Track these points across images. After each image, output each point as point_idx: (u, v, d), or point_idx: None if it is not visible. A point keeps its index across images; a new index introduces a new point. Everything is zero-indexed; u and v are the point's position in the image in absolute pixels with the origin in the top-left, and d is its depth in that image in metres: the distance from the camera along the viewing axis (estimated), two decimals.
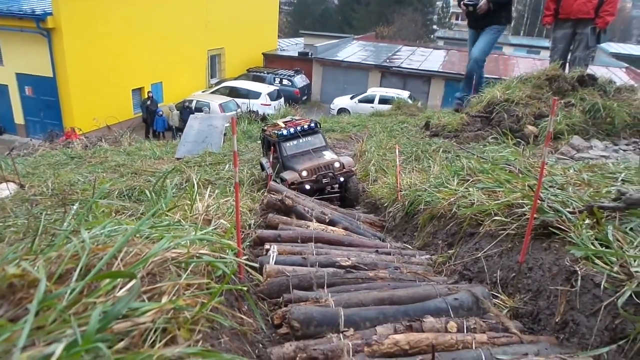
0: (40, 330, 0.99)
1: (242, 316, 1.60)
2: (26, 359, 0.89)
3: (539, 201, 2.13)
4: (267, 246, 2.56)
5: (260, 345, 1.65)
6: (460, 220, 2.82)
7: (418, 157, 6.06)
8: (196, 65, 23.26)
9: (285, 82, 23.26)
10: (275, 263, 2.28)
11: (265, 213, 3.27)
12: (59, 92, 16.41)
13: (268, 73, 23.90)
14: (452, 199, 3.01)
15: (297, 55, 27.80)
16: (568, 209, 2.15)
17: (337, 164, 5.49)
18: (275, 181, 4.97)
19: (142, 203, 4.11)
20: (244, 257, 2.01)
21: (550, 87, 6.60)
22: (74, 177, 6.87)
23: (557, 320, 1.80)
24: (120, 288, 1.17)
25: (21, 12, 15.43)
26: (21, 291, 1.12)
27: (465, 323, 1.72)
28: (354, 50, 28.18)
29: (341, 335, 1.62)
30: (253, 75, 23.80)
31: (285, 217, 3.16)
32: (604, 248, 1.82)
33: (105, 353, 0.94)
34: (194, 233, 1.70)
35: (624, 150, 5.34)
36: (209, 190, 2.88)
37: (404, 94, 20.00)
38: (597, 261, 1.77)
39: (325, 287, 2.09)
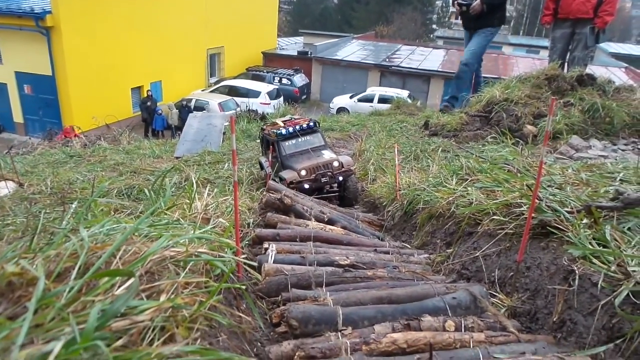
0: (39, 328, 0.99)
1: (241, 315, 1.60)
2: (25, 356, 0.90)
3: (537, 200, 2.13)
4: (265, 245, 2.56)
5: (259, 343, 1.65)
6: (459, 219, 2.82)
7: (417, 157, 6.07)
8: (195, 64, 23.25)
9: (284, 81, 23.26)
10: (274, 262, 2.29)
11: (264, 212, 3.27)
12: (58, 90, 16.39)
13: (267, 72, 23.90)
14: (450, 198, 3.02)
15: (296, 54, 27.80)
16: (566, 209, 2.15)
17: (336, 163, 5.50)
18: (274, 180, 4.97)
19: (141, 202, 4.11)
20: (243, 256, 2.02)
21: (549, 87, 6.61)
22: (73, 176, 6.87)
23: (554, 319, 1.81)
24: (119, 286, 1.17)
25: (20, 11, 15.41)
26: (20, 289, 1.12)
27: (463, 322, 1.72)
28: (353, 50, 28.18)
29: (339, 334, 1.62)
30: (252, 74, 23.80)
31: (284, 216, 3.16)
32: (601, 247, 1.83)
33: (103, 351, 0.94)
34: (192, 232, 1.71)
35: (623, 150, 5.35)
36: (207, 189, 2.88)
37: (404, 94, 20.01)
38: (594, 260, 1.77)
39: (323, 286, 2.09)
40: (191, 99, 18.95)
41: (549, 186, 2.51)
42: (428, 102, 21.43)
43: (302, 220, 3.21)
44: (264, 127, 6.57)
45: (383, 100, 19.44)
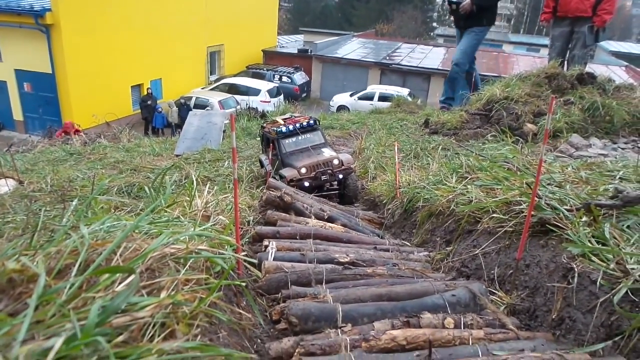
0: (40, 324, 1.00)
1: (241, 311, 1.61)
2: (26, 352, 0.90)
3: (536, 199, 2.14)
4: (265, 242, 2.56)
5: (259, 340, 1.66)
6: (459, 217, 2.83)
7: (417, 155, 6.07)
8: (195, 62, 23.22)
9: (284, 79, 23.24)
10: (274, 259, 2.29)
11: (264, 210, 3.28)
12: (57, 88, 16.38)
13: (267, 70, 23.88)
14: (450, 197, 3.02)
15: (296, 52, 27.77)
16: (565, 207, 2.16)
17: (336, 161, 5.50)
18: (274, 178, 4.97)
19: (141, 199, 4.11)
20: (243, 253, 2.02)
21: (549, 85, 6.60)
22: (73, 174, 6.86)
23: (553, 316, 1.81)
24: (119, 283, 1.17)
25: (20, 8, 15.39)
26: (21, 286, 1.13)
27: (462, 319, 1.73)
28: (353, 48, 28.15)
29: (339, 330, 1.63)
30: (252, 72, 23.77)
31: (284, 214, 3.16)
32: (600, 245, 1.83)
33: (104, 347, 0.94)
34: (192, 229, 1.71)
35: (623, 149, 5.36)
36: (208, 186, 2.89)
37: (404, 92, 20.00)
38: (593, 258, 1.78)
39: (323, 283, 2.09)
40: (191, 97, 18.93)
41: (548, 184, 2.52)
42: (428, 100, 21.43)
43: (302, 218, 3.21)
44: (264, 125, 6.56)
45: (383, 98, 19.43)
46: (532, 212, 2.04)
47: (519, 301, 2.02)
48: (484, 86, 7.63)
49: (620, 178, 2.64)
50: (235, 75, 23.40)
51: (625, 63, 26.82)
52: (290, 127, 5.86)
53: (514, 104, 6.40)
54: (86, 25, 16.20)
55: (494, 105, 6.64)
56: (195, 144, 9.91)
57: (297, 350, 1.49)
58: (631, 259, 1.68)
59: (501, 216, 2.41)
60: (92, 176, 6.34)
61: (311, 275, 2.12)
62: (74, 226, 1.52)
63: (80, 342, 0.94)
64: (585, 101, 6.00)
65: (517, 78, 7.13)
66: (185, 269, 1.39)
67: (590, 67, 7.75)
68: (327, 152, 5.71)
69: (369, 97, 20.45)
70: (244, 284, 1.75)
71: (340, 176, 5.47)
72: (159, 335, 1.10)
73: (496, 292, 2.13)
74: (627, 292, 1.57)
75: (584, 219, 2.01)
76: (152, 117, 17.78)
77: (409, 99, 17.02)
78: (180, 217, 2.07)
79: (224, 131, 11.08)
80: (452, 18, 9.42)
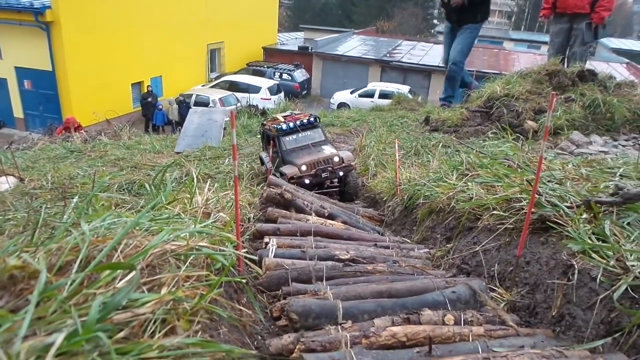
0: (41, 320, 1.00)
1: (241, 308, 1.61)
2: (27, 348, 0.91)
3: (536, 196, 2.14)
4: (266, 239, 2.57)
5: (259, 337, 1.66)
6: (459, 214, 2.83)
7: (418, 152, 6.06)
8: (196, 59, 23.20)
9: (285, 76, 23.21)
10: (275, 256, 2.30)
11: (265, 207, 3.28)
12: (58, 85, 16.38)
13: (268, 67, 23.85)
14: (451, 194, 3.02)
15: (297, 49, 27.72)
16: (566, 204, 2.16)
17: (336, 159, 5.49)
18: (275, 175, 4.97)
19: (141, 196, 4.11)
20: (243, 250, 2.02)
21: (550, 82, 6.60)
22: (73, 171, 6.87)
23: (553, 313, 1.82)
24: (120, 279, 1.18)
25: (20, 6, 15.37)
26: (22, 282, 1.13)
27: (462, 316, 1.73)
28: (354, 45, 28.10)
29: (339, 327, 1.63)
30: (253, 69, 23.75)
31: (284, 211, 3.16)
32: (600, 242, 1.83)
33: (105, 343, 0.95)
34: (193, 226, 1.71)
35: (624, 146, 5.35)
36: (208, 183, 2.89)
37: (404, 89, 19.98)
38: (593, 255, 1.78)
39: (324, 280, 2.10)
40: (191, 95, 18.91)
41: (548, 181, 2.52)
42: (429, 97, 21.40)
43: (303, 215, 3.21)
44: (265, 122, 6.56)
45: (384, 95, 19.41)
46: (533, 209, 2.04)
47: (519, 298, 2.02)
48: (484, 83, 7.62)
49: (620, 175, 2.64)
50: (235, 73, 23.38)
51: (626, 60, 26.78)
52: (291, 124, 5.86)
53: (514, 101, 6.40)
54: (86, 22, 16.18)
55: (495, 102, 6.63)
56: (196, 142, 9.91)
57: (297, 347, 1.50)
58: (631, 255, 1.68)
59: (501, 213, 2.41)
60: (92, 173, 6.34)
61: (311, 272, 2.12)
62: (74, 223, 1.52)
63: (81, 338, 0.95)
64: (586, 98, 5.99)
65: (518, 75, 7.12)
66: (185, 265, 1.39)
67: (591, 64, 7.73)
68: (328, 150, 5.70)
69: (370, 95, 20.43)
70: (244, 280, 1.75)
71: (341, 173, 5.47)
72: (159, 332, 1.10)
73: (496, 289, 2.14)
74: (627, 288, 1.57)
75: (584, 216, 2.01)
76: (153, 114, 17.78)
77: (410, 96, 17.01)
78: (181, 214, 2.08)
79: (224, 128, 11.07)
80: (443, 12, 9.39)
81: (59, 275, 1.19)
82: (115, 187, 5.47)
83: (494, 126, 6.22)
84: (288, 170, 5.40)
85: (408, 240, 3.23)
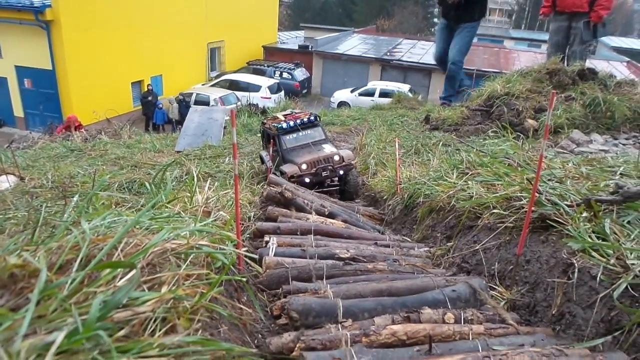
0: (42, 319, 1.00)
1: (242, 307, 1.61)
2: (28, 346, 0.91)
3: (537, 194, 2.14)
4: (266, 238, 2.57)
5: (260, 335, 1.66)
6: (459, 213, 2.83)
7: (418, 151, 6.07)
8: (196, 58, 23.18)
9: (285, 75, 23.19)
10: (275, 255, 2.30)
11: (265, 205, 3.28)
12: (58, 84, 16.36)
13: (268, 66, 23.82)
14: (451, 192, 3.02)
15: (297, 48, 27.69)
16: (566, 202, 2.16)
17: (336, 157, 5.50)
18: (275, 174, 4.97)
19: (142, 195, 4.11)
20: (244, 249, 2.03)
21: (550, 81, 6.60)
22: (74, 170, 6.87)
23: (553, 312, 1.82)
24: (121, 278, 1.18)
25: (20, 4, 15.34)
26: (22, 281, 1.13)
27: (462, 314, 1.73)
28: (354, 44, 28.07)
29: (339, 325, 1.63)
30: (253, 68, 23.72)
31: (284, 210, 3.17)
32: (601, 241, 1.83)
33: (105, 341, 0.95)
34: (193, 224, 1.71)
35: (624, 145, 5.35)
36: (208, 182, 2.89)
37: (405, 88, 19.96)
38: (594, 254, 1.78)
39: (324, 279, 2.10)
40: (191, 93, 18.90)
41: (549, 180, 2.52)
42: (429, 96, 21.38)
43: (303, 213, 3.22)
44: (265, 121, 6.56)
45: (384, 94, 19.39)
46: (533, 208, 2.04)
47: (519, 296, 2.02)
48: (485, 81, 7.62)
49: (621, 174, 2.64)
50: (235, 72, 23.36)
51: (627, 59, 26.73)
52: (291, 123, 5.86)
53: (514, 100, 6.40)
54: (86, 21, 16.16)
55: (495, 101, 6.63)
56: (196, 140, 9.91)
57: (297, 345, 1.50)
58: (631, 254, 1.68)
59: (502, 212, 2.41)
60: (93, 172, 6.34)
61: (312, 270, 2.12)
62: (75, 222, 1.52)
63: (81, 336, 0.95)
64: (586, 97, 5.99)
65: (518, 74, 7.12)
66: (186, 264, 1.40)
67: (592, 63, 7.73)
68: (328, 148, 5.71)
69: (370, 94, 20.41)
70: (244, 279, 1.75)
71: (341, 172, 5.48)
72: (160, 330, 1.10)
73: (496, 287, 2.14)
74: (627, 287, 1.57)
75: (585, 214, 2.01)
76: (153, 113, 17.77)
77: (410, 95, 16.99)
78: (181, 212, 2.08)
79: (224, 127, 11.08)
80: (440, 9, 9.36)
81: (59, 274, 1.19)
82: (116, 186, 5.47)
83: (494, 125, 6.22)
84: (288, 169, 5.41)
85: (408, 239, 3.24)
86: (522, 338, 1.62)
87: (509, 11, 56.95)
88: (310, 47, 26.28)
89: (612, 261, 1.69)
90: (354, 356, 1.41)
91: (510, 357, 1.41)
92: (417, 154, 5.92)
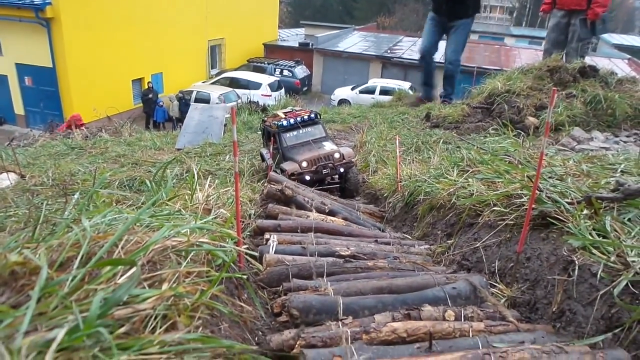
0: (42, 316, 1.00)
1: (242, 304, 1.62)
2: (29, 343, 0.91)
3: (537, 192, 2.14)
4: (267, 236, 2.57)
5: (260, 332, 1.66)
6: (460, 210, 2.83)
7: (418, 148, 6.06)
8: (196, 56, 23.16)
9: (285, 72, 23.17)
10: (275, 252, 2.30)
11: (265, 203, 3.28)
12: (58, 82, 16.36)
13: (268, 64, 23.80)
14: (451, 190, 3.02)
15: (297, 45, 27.67)
16: (566, 200, 2.15)
17: (337, 155, 5.49)
18: (275, 172, 4.97)
19: (142, 193, 4.12)
20: (244, 246, 2.03)
21: (551, 79, 6.59)
22: (74, 168, 6.88)
23: (554, 309, 1.82)
24: (121, 275, 1.18)
25: (20, 2, 15.33)
26: (23, 278, 1.13)
27: (463, 312, 1.73)
28: (354, 41, 28.02)
29: (340, 323, 1.63)
30: (253, 65, 23.71)
31: (285, 207, 3.17)
32: (601, 238, 1.83)
33: (106, 338, 0.95)
34: (194, 222, 1.72)
35: (625, 142, 5.34)
36: (209, 180, 2.89)
37: (405, 85, 19.91)
38: (594, 251, 1.78)
39: (324, 276, 2.10)
40: (192, 91, 18.90)
41: (549, 177, 2.52)
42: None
43: (303, 211, 3.22)
44: (265, 118, 6.56)
45: (384, 92, 19.37)
46: (533, 205, 2.04)
47: (519, 294, 2.02)
48: (486, 79, 7.62)
49: (621, 171, 2.64)
50: (236, 69, 23.35)
51: (628, 56, 26.65)
52: (292, 120, 5.86)
53: (515, 97, 6.39)
54: (87, 18, 16.15)
55: (496, 98, 6.62)
56: (197, 138, 9.91)
57: (298, 342, 1.50)
58: (632, 251, 1.68)
59: (502, 209, 2.41)
60: (93, 170, 6.35)
61: (312, 268, 2.13)
62: (75, 219, 1.52)
63: (82, 333, 0.95)
64: (587, 94, 5.99)
65: (519, 71, 7.11)
66: (186, 261, 1.40)
67: (593, 60, 7.74)
68: (328, 146, 5.70)
69: (370, 91, 20.39)
70: (245, 276, 1.76)
71: (342, 170, 5.47)
72: (160, 327, 1.10)
73: (497, 284, 2.14)
74: (627, 284, 1.57)
75: (585, 211, 2.01)
76: (153, 111, 17.76)
77: (411, 92, 16.95)
78: (182, 210, 2.08)
79: (225, 125, 11.07)
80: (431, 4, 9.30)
81: (60, 271, 1.19)
82: (116, 183, 5.48)
83: (495, 122, 6.22)
84: (289, 166, 5.40)
85: (409, 237, 3.24)
86: (522, 335, 1.62)
87: (509, 8, 56.83)
88: (310, 44, 26.26)
89: (612, 258, 1.69)
90: (354, 353, 1.41)
91: (510, 354, 1.42)
92: (417, 151, 5.91)
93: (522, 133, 5.21)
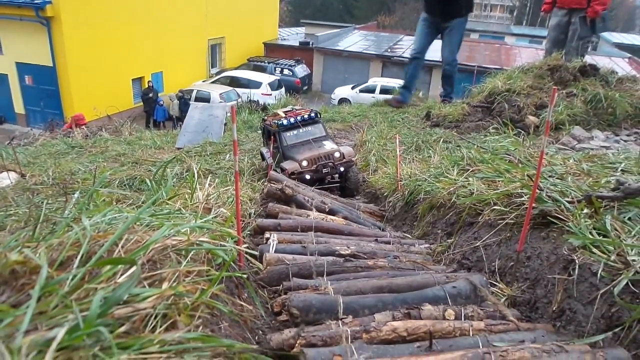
0: (43, 315, 1.01)
1: (242, 303, 1.62)
2: (29, 342, 0.91)
3: (537, 191, 2.13)
4: (267, 235, 2.57)
5: (260, 331, 1.66)
6: (460, 209, 2.83)
7: (419, 147, 6.06)
8: (197, 55, 23.15)
9: (286, 71, 23.15)
10: (275, 251, 2.30)
11: (266, 202, 3.28)
12: (58, 81, 16.36)
13: (269, 63, 23.79)
14: (451, 189, 3.02)
15: (298, 44, 27.64)
16: (567, 199, 2.15)
17: (337, 154, 5.49)
18: (276, 171, 4.97)
19: (142, 192, 4.12)
20: (244, 246, 2.03)
21: (551, 77, 6.58)
22: (74, 167, 6.88)
23: (554, 308, 1.82)
24: (121, 274, 1.18)
25: (20, 1, 15.32)
26: (23, 277, 1.13)
27: (463, 311, 1.73)
28: (355, 40, 28.00)
29: (340, 322, 1.63)
30: (254, 64, 23.70)
31: (285, 207, 3.17)
32: (601, 237, 1.83)
33: (106, 337, 0.95)
34: (194, 221, 1.72)
35: (625, 141, 5.34)
36: (209, 179, 2.89)
37: None
38: (594, 250, 1.78)
39: (324, 276, 2.10)
40: (192, 90, 18.88)
41: (550, 176, 2.52)
42: (430, 93, 21.32)
43: (304, 210, 3.22)
44: (265, 117, 6.56)
45: (385, 91, 19.34)
46: (533, 204, 2.03)
47: (519, 293, 2.02)
48: (486, 78, 7.61)
49: (622, 170, 2.64)
50: (236, 68, 23.32)
51: (629, 55, 26.62)
52: (292, 119, 5.85)
53: (515, 96, 6.38)
54: (87, 17, 16.14)
55: (496, 97, 6.62)
56: (197, 137, 9.91)
57: (298, 342, 1.50)
58: (632, 250, 1.68)
59: (502, 208, 2.41)
60: (93, 169, 6.35)
61: (312, 267, 2.13)
62: (75, 218, 1.52)
63: (82, 332, 0.95)
64: (587, 93, 5.98)
65: (519, 70, 7.10)
66: (186, 260, 1.40)
67: (593, 59, 7.74)
68: (329, 145, 5.70)
69: (371, 90, 20.37)
70: (245, 276, 1.76)
71: (342, 169, 5.47)
72: (160, 326, 1.10)
73: (497, 284, 2.14)
74: (627, 283, 1.57)
75: (585, 210, 2.01)
76: (154, 110, 17.76)
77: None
78: (182, 209, 2.08)
79: (225, 124, 11.07)
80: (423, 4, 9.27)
81: (60, 270, 1.19)
82: (117, 182, 5.48)
83: (495, 121, 6.21)
84: (289, 165, 5.40)
85: (409, 236, 3.24)
86: (522, 334, 1.62)
87: (510, 7, 56.77)
88: (311, 43, 26.23)
89: (612, 257, 1.69)
90: (355, 352, 1.41)
91: (510, 353, 1.42)
92: (417, 150, 5.91)
93: (523, 132, 5.21)
